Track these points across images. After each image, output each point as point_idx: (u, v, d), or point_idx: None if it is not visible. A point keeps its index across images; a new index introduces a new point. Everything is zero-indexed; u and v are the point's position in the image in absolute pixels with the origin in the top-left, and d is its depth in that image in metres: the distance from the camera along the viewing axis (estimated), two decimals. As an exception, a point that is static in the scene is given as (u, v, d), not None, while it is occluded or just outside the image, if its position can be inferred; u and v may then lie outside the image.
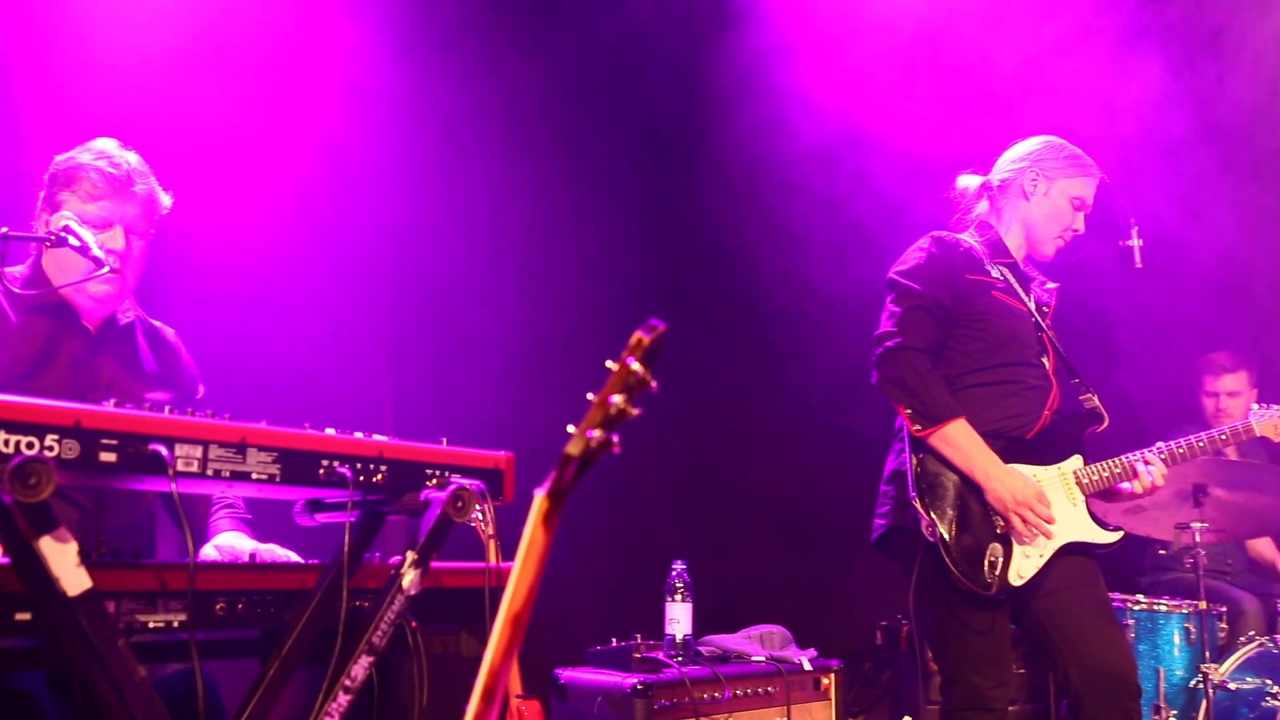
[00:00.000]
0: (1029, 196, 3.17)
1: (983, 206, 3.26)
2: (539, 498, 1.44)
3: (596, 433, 1.43)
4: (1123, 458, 3.09)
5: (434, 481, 2.21)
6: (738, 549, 5.09)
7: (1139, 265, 4.31)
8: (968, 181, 3.29)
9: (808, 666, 3.49)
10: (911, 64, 4.92)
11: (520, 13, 4.72)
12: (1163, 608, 4.20)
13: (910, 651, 4.47)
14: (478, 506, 2.20)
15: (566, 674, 3.35)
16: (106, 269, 2.39)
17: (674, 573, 3.51)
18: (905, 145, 4.74)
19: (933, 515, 2.92)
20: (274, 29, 3.84)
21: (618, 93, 4.91)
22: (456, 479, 2.09)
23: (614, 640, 3.39)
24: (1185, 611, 4.13)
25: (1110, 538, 3.02)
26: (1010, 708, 4.56)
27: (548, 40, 4.70)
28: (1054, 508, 2.97)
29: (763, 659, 3.48)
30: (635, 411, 1.49)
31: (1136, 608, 4.20)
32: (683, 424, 4.98)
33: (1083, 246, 4.73)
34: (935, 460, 2.96)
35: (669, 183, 5.21)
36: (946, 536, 2.90)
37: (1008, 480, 2.90)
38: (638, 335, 1.45)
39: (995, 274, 3.10)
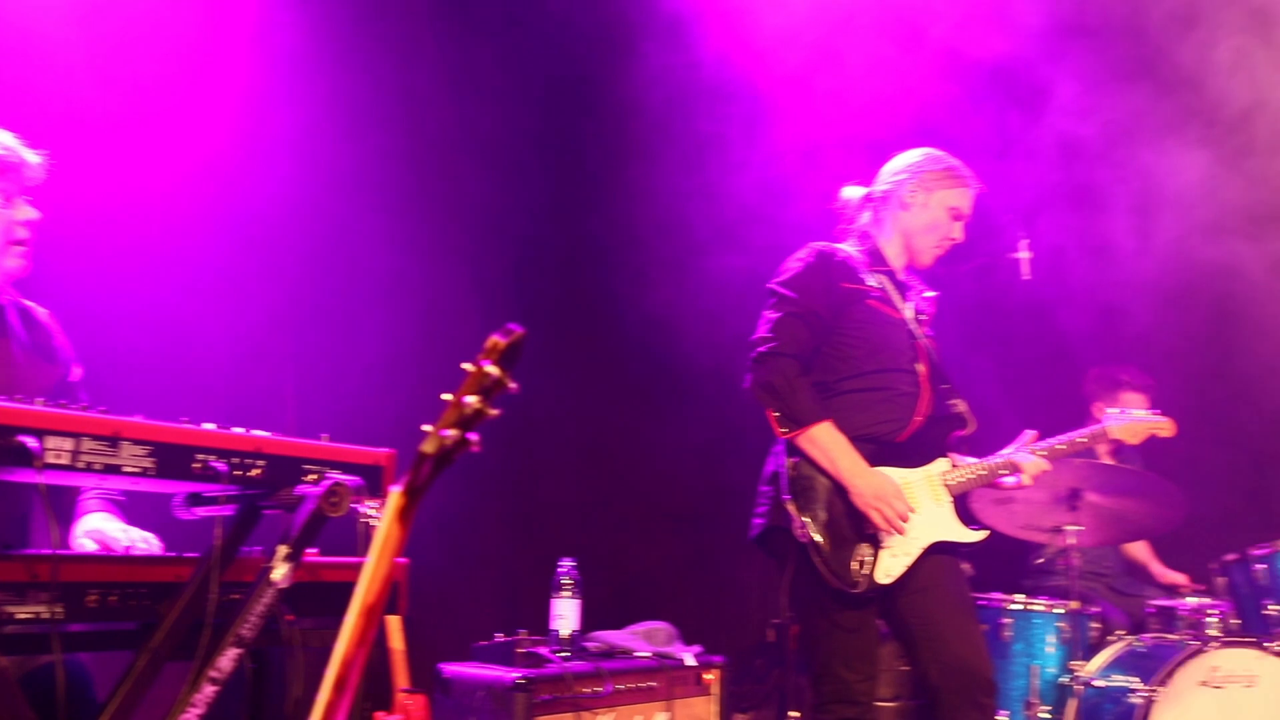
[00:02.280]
0: (908, 207, 3.30)
1: (865, 217, 3.38)
2: (394, 494, 1.49)
3: (451, 432, 1.48)
4: (989, 460, 3.23)
5: (312, 477, 2.24)
6: (632, 547, 5.16)
7: (1027, 277, 4.52)
8: (851, 193, 3.41)
9: (691, 662, 3.58)
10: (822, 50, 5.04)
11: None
12: (1039, 608, 4.37)
13: (799, 649, 4.59)
14: (370, 503, 2.24)
15: (450, 669, 3.40)
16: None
17: (562, 570, 3.58)
18: (805, 137, 4.87)
19: (805, 516, 3.03)
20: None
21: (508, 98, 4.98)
22: (335, 475, 2.12)
23: (499, 636, 3.44)
24: (1059, 612, 4.30)
25: (974, 536, 3.16)
26: (892, 703, 4.75)
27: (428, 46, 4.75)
28: (920, 509, 3.11)
29: (647, 654, 3.57)
30: (494, 412, 1.55)
31: (1013, 607, 4.37)
32: (577, 421, 5.05)
33: (973, 258, 4.92)
34: (810, 463, 3.07)
35: (566, 183, 5.27)
36: (817, 537, 3.01)
37: (869, 478, 3.03)
38: (493, 339, 1.51)
39: (873, 283, 3.22)
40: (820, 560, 3.00)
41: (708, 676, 3.64)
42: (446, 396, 1.50)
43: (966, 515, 3.22)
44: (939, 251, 3.34)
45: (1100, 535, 4.43)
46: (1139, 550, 5.27)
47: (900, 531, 3.03)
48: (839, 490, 3.06)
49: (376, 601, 1.47)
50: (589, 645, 3.58)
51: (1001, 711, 4.25)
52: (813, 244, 3.26)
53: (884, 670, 4.25)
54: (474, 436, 1.52)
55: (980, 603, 4.43)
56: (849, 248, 3.31)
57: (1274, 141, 4.92)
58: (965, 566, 4.59)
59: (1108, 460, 5.09)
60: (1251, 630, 4.16)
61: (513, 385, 1.53)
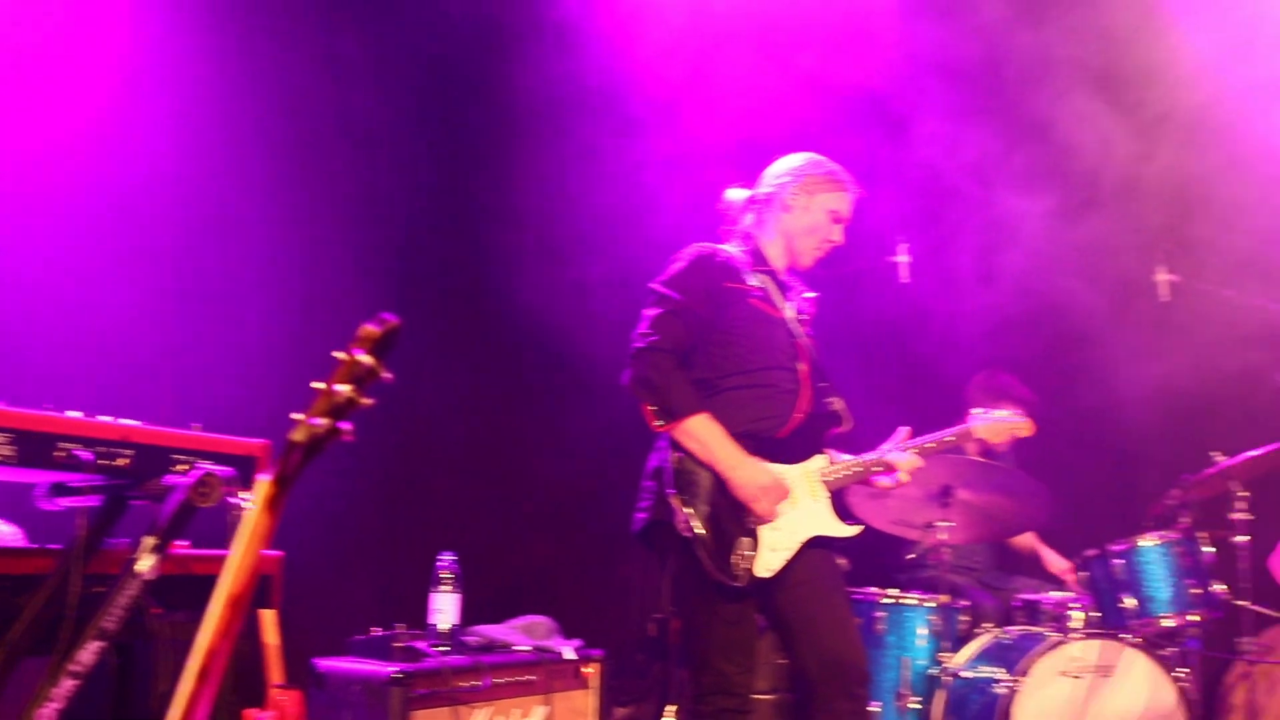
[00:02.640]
0: (790, 209, 3.36)
1: (748, 219, 3.44)
2: (263, 483, 1.47)
3: (322, 420, 1.47)
4: (865, 458, 3.31)
5: (182, 467, 2.20)
6: (515, 541, 5.15)
7: (905, 280, 4.65)
8: (734, 195, 3.47)
9: (570, 656, 3.60)
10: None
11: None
12: (911, 602, 4.50)
13: (680, 642, 4.65)
14: (242, 494, 2.20)
15: (325, 663, 3.35)
16: None
17: (441, 564, 3.56)
18: (689, 139, 4.92)
19: (687, 510, 3.07)
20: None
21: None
22: (205, 465, 2.09)
23: (376, 630, 3.41)
24: (930, 605, 4.43)
25: (850, 531, 3.24)
26: (770, 696, 4.83)
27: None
28: (798, 504, 3.17)
29: (527, 649, 3.57)
30: (367, 401, 1.54)
31: (886, 601, 4.49)
32: (459, 414, 5.02)
33: (853, 261, 5.03)
34: (692, 458, 3.11)
35: (450, 171, 5.24)
36: (699, 531, 3.05)
37: (747, 469, 3.09)
38: (366, 327, 1.51)
39: (754, 282, 3.28)
40: (704, 554, 3.04)
41: (587, 670, 3.66)
42: (318, 385, 1.49)
43: (843, 510, 3.29)
44: (819, 253, 3.41)
45: (970, 532, 4.58)
46: (1029, 540, 5.45)
47: (768, 519, 3.09)
48: (721, 485, 3.10)
49: (242, 592, 1.45)
50: (468, 640, 3.57)
51: (874, 702, 4.37)
52: (696, 244, 3.31)
53: (762, 664, 4.34)
54: (346, 425, 1.51)
55: (855, 596, 4.54)
56: (732, 248, 3.37)
57: (1115, 190, 5.19)
58: (842, 561, 4.73)
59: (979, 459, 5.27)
60: (1109, 622, 4.34)
61: (386, 375, 1.53)
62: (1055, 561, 5.26)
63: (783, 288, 3.37)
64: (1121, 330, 5.30)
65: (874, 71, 5.01)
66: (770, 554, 3.12)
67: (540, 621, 3.73)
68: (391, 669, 3.16)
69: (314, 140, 4.69)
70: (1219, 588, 4.39)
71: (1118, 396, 5.37)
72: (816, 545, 3.20)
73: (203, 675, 1.42)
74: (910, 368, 5.42)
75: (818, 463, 3.27)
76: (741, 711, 3.19)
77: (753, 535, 3.12)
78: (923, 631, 4.44)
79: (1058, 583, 5.11)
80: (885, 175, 5.08)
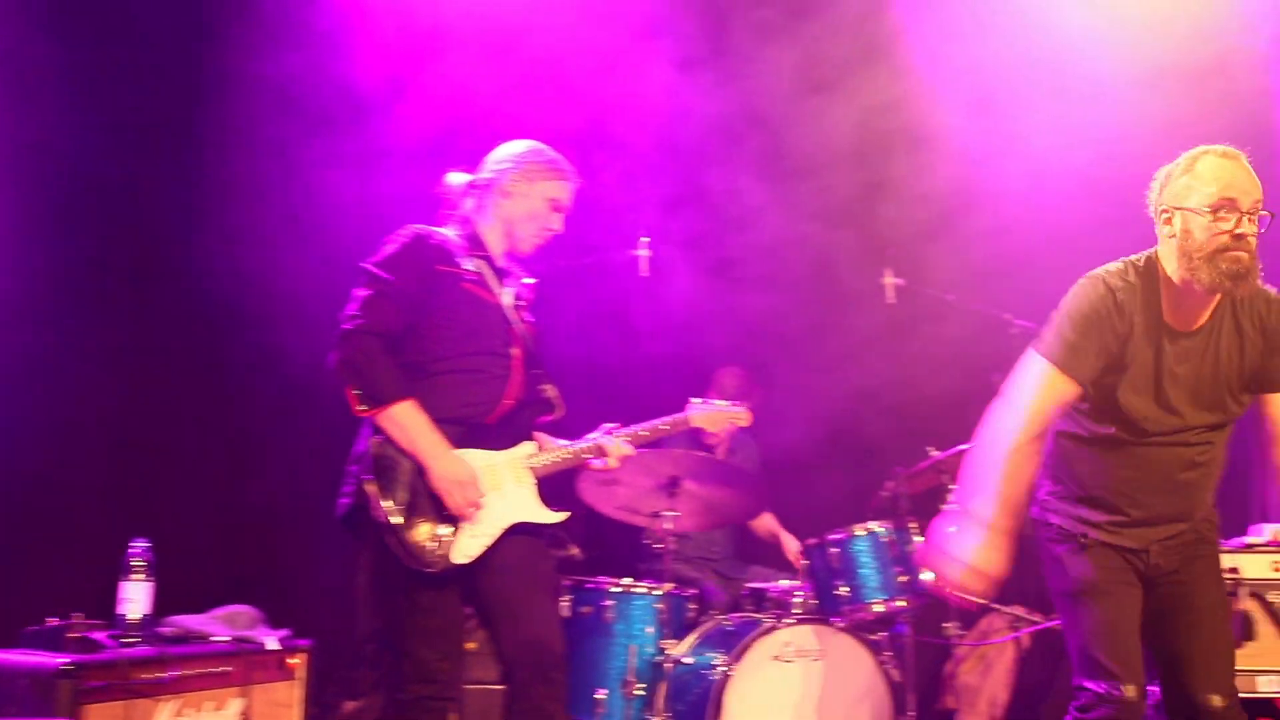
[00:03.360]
0: (510, 195, 3.35)
1: (469, 204, 3.40)
2: None
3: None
4: (574, 445, 3.33)
5: None
6: (241, 528, 4.95)
7: (645, 274, 4.71)
8: (455, 179, 3.43)
9: (272, 646, 3.48)
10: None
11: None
12: (641, 590, 4.56)
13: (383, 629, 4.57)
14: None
15: (-8, 656, 3.13)
16: None
17: (134, 551, 3.38)
18: (411, 132, 4.85)
19: (385, 496, 3.01)
20: None
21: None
22: None
23: (53, 620, 3.21)
24: (658, 593, 4.50)
25: (555, 518, 3.24)
26: (497, 686, 4.80)
27: None
28: (503, 490, 3.17)
29: (224, 639, 3.43)
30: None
31: (615, 589, 4.54)
32: (153, 395, 4.79)
33: (595, 252, 5.06)
34: (394, 444, 3.06)
35: (141, 172, 4.97)
36: (395, 518, 3.01)
37: (446, 461, 3.06)
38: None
39: (469, 267, 3.25)
40: (395, 541, 3.00)
41: (292, 661, 3.55)
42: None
43: (556, 497, 3.28)
44: (539, 240, 3.40)
45: (696, 521, 4.68)
46: (770, 526, 5.60)
47: (469, 519, 3.07)
48: (421, 471, 3.06)
49: None
50: (163, 630, 3.40)
51: (601, 690, 4.40)
52: (410, 226, 3.25)
53: (484, 653, 4.31)
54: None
55: (587, 585, 4.57)
56: (449, 232, 3.33)
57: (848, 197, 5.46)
58: (575, 552, 4.77)
59: (720, 454, 5.41)
60: (824, 608, 4.51)
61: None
62: (792, 546, 5.44)
63: (500, 273, 3.34)
64: (851, 331, 5.53)
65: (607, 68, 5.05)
66: (470, 540, 3.10)
67: (243, 611, 3.59)
68: (62, 660, 2.97)
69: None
70: (928, 576, 4.62)
71: (849, 392, 5.60)
72: (521, 532, 3.19)
73: None
74: (648, 360, 5.49)
75: (525, 449, 3.26)
76: (442, 699, 3.15)
77: (452, 522, 3.09)
78: (651, 620, 4.50)
79: (793, 571, 5.30)
80: (627, 172, 5.15)
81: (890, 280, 5.12)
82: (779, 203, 5.50)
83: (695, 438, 5.32)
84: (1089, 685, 2.86)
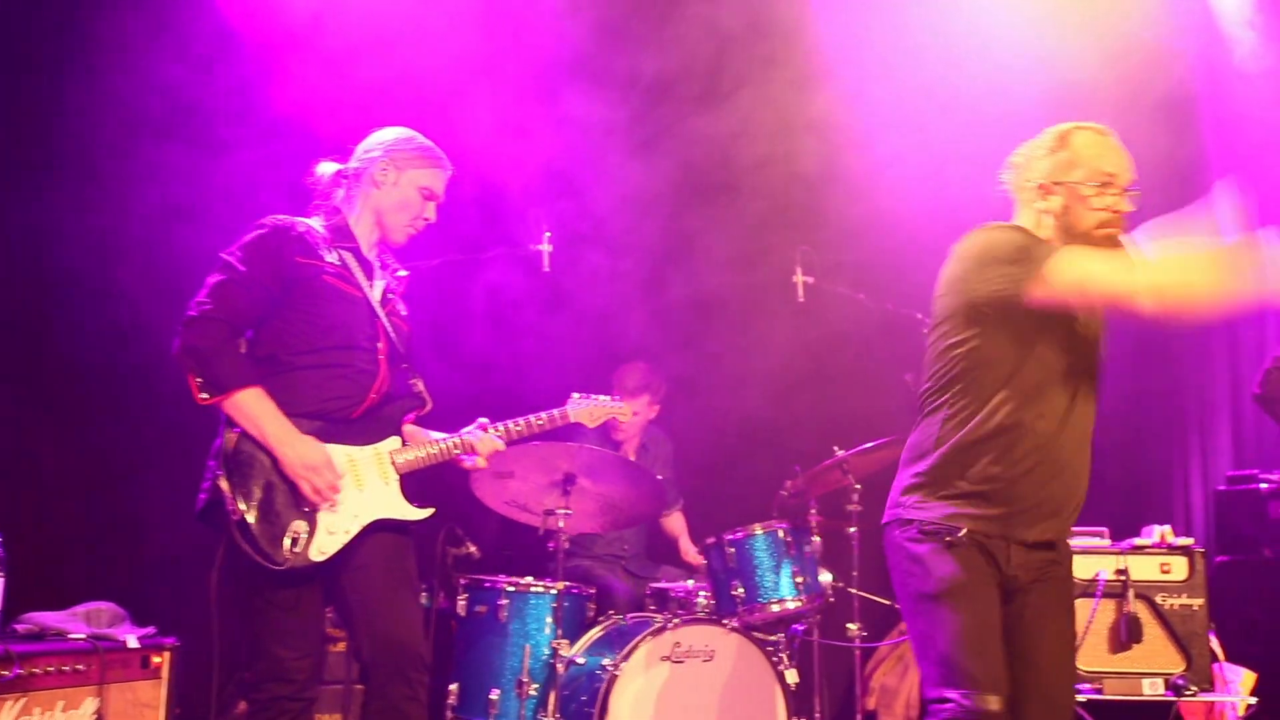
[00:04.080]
0: (379, 185, 3.27)
1: (339, 194, 3.33)
2: None
3: None
4: (444, 440, 3.27)
5: None
6: (94, 525, 4.79)
7: (547, 269, 4.65)
8: (324, 169, 3.35)
9: (133, 644, 3.40)
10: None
11: None
12: (538, 589, 4.49)
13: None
14: None
15: None
16: None
17: (-16, 546, 3.28)
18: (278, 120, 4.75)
19: (238, 492, 2.94)
20: None
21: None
22: None
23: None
24: (554, 592, 4.43)
25: (418, 515, 3.17)
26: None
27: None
28: (365, 486, 3.10)
29: (80, 636, 3.34)
30: None
31: (510, 589, 4.47)
32: (4, 394, 4.66)
33: (493, 247, 4.99)
34: (249, 436, 2.98)
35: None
36: (248, 515, 2.94)
37: (297, 446, 2.99)
38: None
39: (332, 258, 3.17)
40: (245, 537, 2.92)
41: (157, 660, 3.46)
42: None
43: (418, 493, 3.21)
44: (412, 231, 3.33)
45: (592, 521, 4.62)
46: (674, 525, 5.55)
47: (327, 501, 3.00)
48: (276, 462, 2.99)
49: None
50: (17, 627, 3.31)
51: (495, 690, 4.34)
52: (272, 216, 3.17)
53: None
54: None
55: (485, 584, 4.50)
56: (314, 223, 3.25)
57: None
58: (472, 550, 4.70)
59: (629, 452, 5.35)
60: (721, 609, 4.47)
61: None
62: (689, 550, 5.40)
63: (366, 265, 3.27)
64: (760, 330, 5.50)
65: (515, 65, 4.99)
66: (327, 538, 3.03)
67: (104, 608, 3.50)
68: (-105, 658, 2.88)
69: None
70: (826, 577, 4.60)
71: (760, 390, 5.57)
72: (384, 529, 3.12)
73: None
74: (551, 357, 5.43)
75: (390, 444, 3.19)
76: (298, 699, 3.08)
77: (310, 518, 3.01)
78: (548, 619, 4.43)
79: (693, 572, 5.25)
80: (532, 163, 5.09)
81: (800, 279, 5.08)
82: (690, 199, 5.45)
83: (606, 436, 5.29)
84: (953, 695, 2.67)
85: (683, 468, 5.61)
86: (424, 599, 4.94)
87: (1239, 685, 4.50)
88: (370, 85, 4.71)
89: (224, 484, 2.94)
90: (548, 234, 4.57)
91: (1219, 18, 5.67)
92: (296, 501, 3.00)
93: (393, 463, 3.17)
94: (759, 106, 5.31)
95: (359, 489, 3.09)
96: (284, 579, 3.00)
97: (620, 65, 5.30)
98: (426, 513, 3.19)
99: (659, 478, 4.65)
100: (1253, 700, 4.53)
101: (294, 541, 2.98)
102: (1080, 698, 4.79)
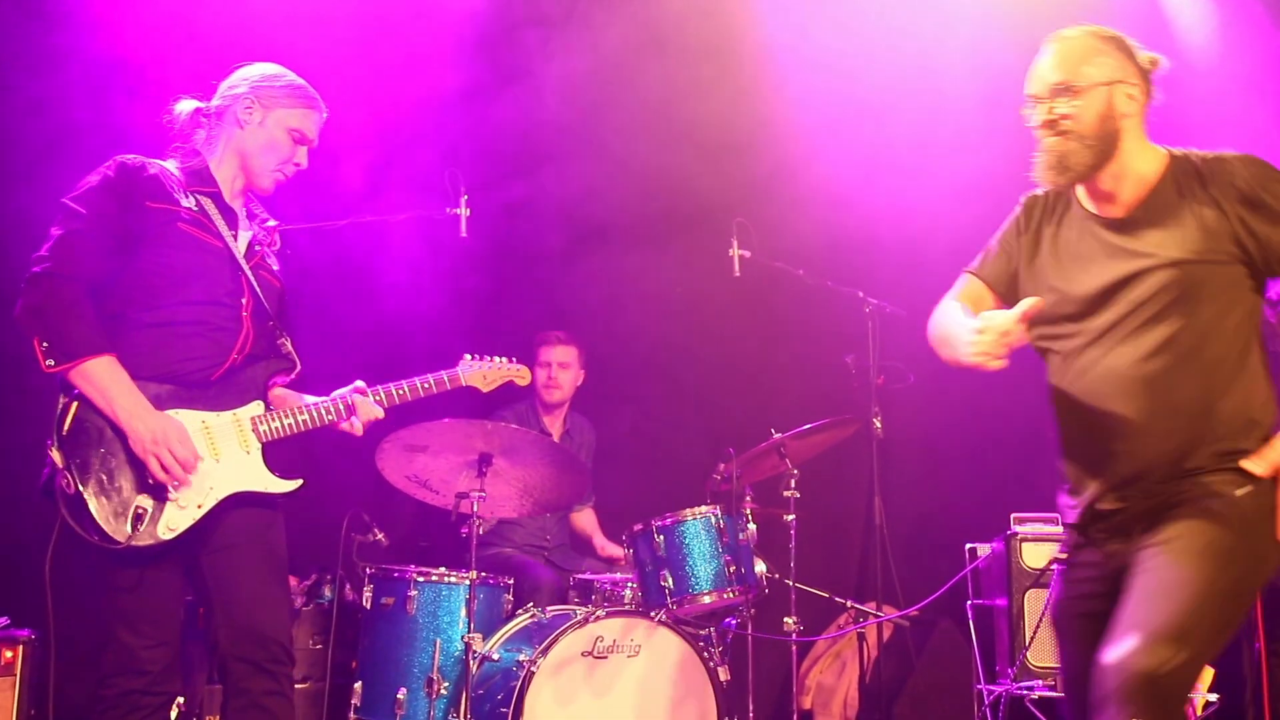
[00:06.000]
0: (244, 125, 2.96)
1: (200, 135, 3.01)
2: None
3: None
4: (317, 404, 2.95)
5: None
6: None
7: (464, 234, 4.34)
8: (183, 107, 3.02)
9: (-25, 637, 3.07)
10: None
11: None
12: (451, 580, 4.18)
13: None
14: None
15: None
16: None
17: None
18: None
19: (72, 463, 2.62)
20: None
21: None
22: None
23: None
24: (467, 582, 4.10)
25: (285, 487, 2.86)
26: (303, 685, 4.41)
27: None
28: (223, 456, 2.78)
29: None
30: None
31: (420, 579, 4.15)
32: None
33: (412, 209, 4.67)
34: (90, 404, 2.67)
35: None
36: (82, 487, 2.62)
37: (148, 421, 2.67)
38: None
39: (188, 204, 2.86)
40: (78, 514, 2.61)
41: (9, 654, 3.13)
42: None
43: (285, 464, 2.88)
44: (280, 176, 3.02)
45: (506, 506, 4.31)
46: (586, 522, 5.26)
47: (181, 481, 2.69)
48: (121, 434, 2.67)
49: None
50: None
51: (401, 689, 4.03)
52: (118, 156, 2.85)
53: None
54: None
55: (393, 574, 4.19)
56: (169, 165, 2.93)
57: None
58: (380, 537, 4.38)
59: (556, 432, 5.06)
60: (649, 600, 4.16)
61: None
62: (606, 546, 5.11)
63: (227, 212, 2.95)
64: (693, 305, 5.22)
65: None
66: (178, 512, 2.71)
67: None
68: None
69: None
70: (761, 567, 4.30)
71: (693, 369, 5.30)
72: (247, 504, 2.81)
73: None
74: (471, 325, 5.13)
75: (253, 410, 2.87)
76: (153, 693, 2.76)
77: (157, 491, 2.69)
78: (460, 612, 4.12)
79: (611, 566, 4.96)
80: (456, 126, 4.79)
81: (736, 252, 4.81)
82: (624, 169, 5.16)
83: (534, 412, 5.01)
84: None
85: (607, 453, 5.29)
86: (327, 591, 4.66)
87: (1198, 681, 4.25)
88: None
89: (56, 455, 2.62)
90: (465, 197, 4.27)
91: (1167, 13, 5.46)
92: (141, 473, 2.68)
93: (254, 430, 2.84)
94: (689, 71, 5.04)
95: (215, 459, 2.77)
96: (126, 558, 2.67)
97: (555, 16, 5.01)
98: (293, 484, 2.87)
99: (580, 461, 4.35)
100: (1213, 697, 4.29)
101: (138, 518, 2.66)
102: (1033, 695, 4.56)
